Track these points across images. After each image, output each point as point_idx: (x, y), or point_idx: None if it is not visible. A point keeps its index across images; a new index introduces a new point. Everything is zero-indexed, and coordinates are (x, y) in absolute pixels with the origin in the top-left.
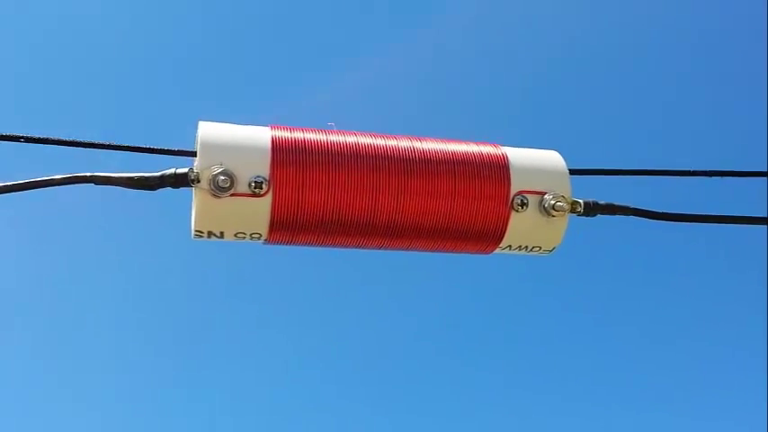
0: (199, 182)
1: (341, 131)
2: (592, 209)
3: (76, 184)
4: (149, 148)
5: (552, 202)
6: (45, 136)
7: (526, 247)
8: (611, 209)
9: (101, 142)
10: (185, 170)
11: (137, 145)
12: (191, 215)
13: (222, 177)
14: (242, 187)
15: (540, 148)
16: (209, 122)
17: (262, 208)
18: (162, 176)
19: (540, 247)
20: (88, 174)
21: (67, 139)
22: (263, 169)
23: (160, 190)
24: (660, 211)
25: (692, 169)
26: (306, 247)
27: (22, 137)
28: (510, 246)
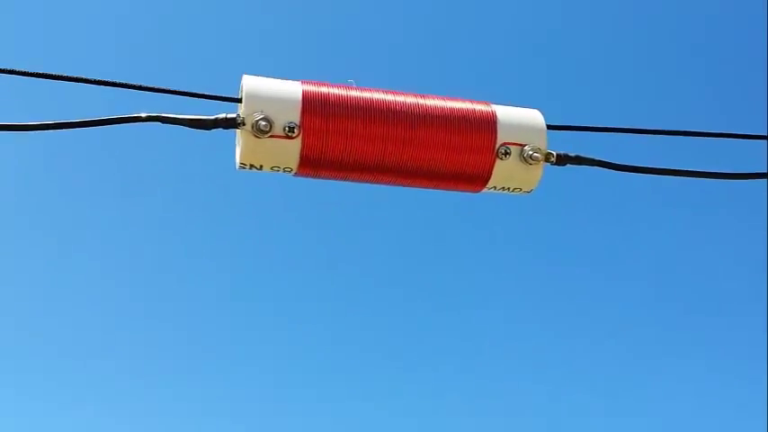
0: (244, 125)
1: (359, 87)
2: (563, 159)
3: (141, 123)
4: (199, 94)
5: (530, 152)
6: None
7: (508, 188)
8: (578, 160)
9: (156, 87)
10: (234, 115)
11: (187, 90)
12: (235, 151)
13: (263, 123)
14: (278, 130)
15: (527, 107)
16: (252, 76)
17: (293, 148)
18: (216, 119)
19: (521, 189)
20: (155, 114)
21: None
22: (296, 117)
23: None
24: (620, 163)
25: (651, 128)
26: (326, 180)
27: (87, 79)
28: (495, 186)
